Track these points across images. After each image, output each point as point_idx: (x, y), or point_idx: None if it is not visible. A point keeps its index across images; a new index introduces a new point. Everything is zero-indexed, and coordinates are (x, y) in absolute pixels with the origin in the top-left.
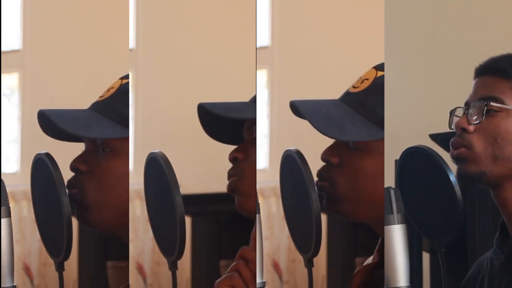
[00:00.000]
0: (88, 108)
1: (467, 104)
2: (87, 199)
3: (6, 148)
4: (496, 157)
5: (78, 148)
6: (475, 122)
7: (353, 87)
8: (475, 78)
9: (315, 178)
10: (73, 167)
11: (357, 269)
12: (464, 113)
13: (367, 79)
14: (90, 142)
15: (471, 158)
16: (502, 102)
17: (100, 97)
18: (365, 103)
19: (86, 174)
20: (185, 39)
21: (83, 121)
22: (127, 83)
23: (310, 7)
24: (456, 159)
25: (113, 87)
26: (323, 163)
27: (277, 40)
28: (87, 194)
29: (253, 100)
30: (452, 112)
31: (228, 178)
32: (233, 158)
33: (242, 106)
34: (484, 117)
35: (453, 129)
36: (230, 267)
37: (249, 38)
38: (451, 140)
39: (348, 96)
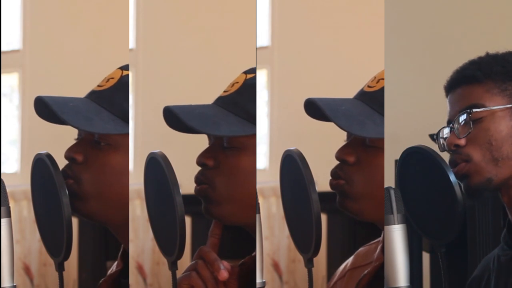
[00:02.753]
0: (86, 98)
1: (449, 122)
2: (83, 190)
3: (6, 148)
4: (497, 159)
5: None
6: (465, 134)
7: (368, 86)
8: (447, 95)
9: (315, 178)
10: (68, 156)
11: (366, 271)
12: (450, 131)
13: (382, 79)
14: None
15: (473, 170)
16: (483, 106)
17: (99, 86)
18: (383, 101)
19: (82, 165)
20: (185, 39)
21: (85, 114)
22: (128, 76)
23: (310, 8)
24: (458, 176)
25: (113, 78)
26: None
27: (277, 40)
28: (83, 185)
29: (219, 103)
30: (437, 135)
31: (197, 183)
32: (201, 164)
33: (218, 117)
34: (472, 127)
35: (445, 150)
36: (188, 266)
37: (249, 38)
38: (449, 159)
39: (364, 95)
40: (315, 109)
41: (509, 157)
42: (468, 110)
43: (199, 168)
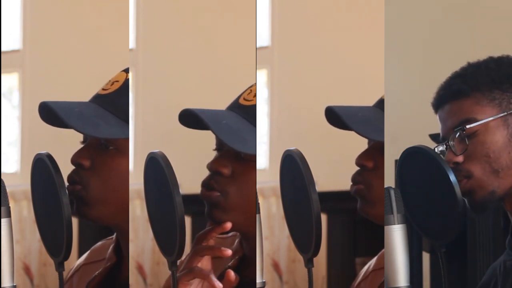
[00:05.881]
0: (92, 102)
1: (444, 139)
2: (90, 195)
3: (6, 148)
4: (497, 171)
5: (77, 147)
6: (462, 151)
7: None
8: (436, 112)
9: (315, 178)
10: (75, 162)
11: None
12: (446, 148)
13: None
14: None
15: (476, 185)
16: (475, 120)
17: (104, 89)
18: None
19: (89, 170)
20: (185, 39)
21: (91, 119)
22: None
23: (310, 8)
24: (462, 193)
25: (117, 81)
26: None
27: (277, 40)
28: (91, 190)
29: (230, 107)
30: None
31: (207, 188)
32: (215, 171)
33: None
34: (468, 143)
35: None
36: (185, 264)
37: (249, 38)
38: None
39: (382, 103)
40: (333, 116)
41: (509, 167)
42: (462, 127)
43: (198, 168)
